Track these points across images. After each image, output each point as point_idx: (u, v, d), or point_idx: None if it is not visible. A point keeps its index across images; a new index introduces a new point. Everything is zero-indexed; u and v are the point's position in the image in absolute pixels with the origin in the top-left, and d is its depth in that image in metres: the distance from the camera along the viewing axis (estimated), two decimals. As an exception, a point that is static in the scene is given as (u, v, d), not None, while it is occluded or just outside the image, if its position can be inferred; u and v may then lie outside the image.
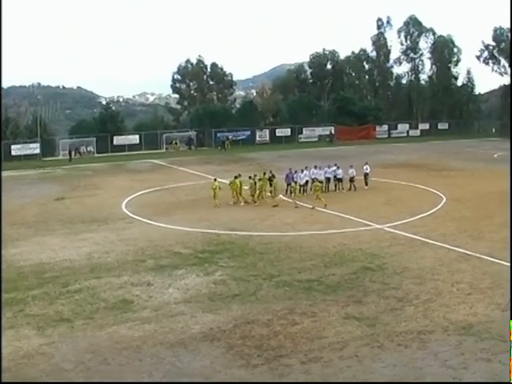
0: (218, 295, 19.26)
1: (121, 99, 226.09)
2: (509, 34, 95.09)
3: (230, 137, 79.85)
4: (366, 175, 41.51)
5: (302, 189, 38.57)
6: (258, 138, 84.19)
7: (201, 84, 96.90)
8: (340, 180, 40.30)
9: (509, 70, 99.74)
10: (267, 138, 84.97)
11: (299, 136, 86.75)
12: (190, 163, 60.05)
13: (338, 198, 37.93)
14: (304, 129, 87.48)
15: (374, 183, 42.82)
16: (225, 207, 34.73)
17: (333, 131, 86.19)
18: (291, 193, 37.89)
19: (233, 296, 19.13)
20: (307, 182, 38.89)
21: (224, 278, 21.06)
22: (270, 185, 37.67)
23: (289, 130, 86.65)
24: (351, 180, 40.63)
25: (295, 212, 33.32)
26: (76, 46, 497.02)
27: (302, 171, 39.06)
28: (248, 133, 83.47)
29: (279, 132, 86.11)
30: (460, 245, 25.21)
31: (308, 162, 45.31)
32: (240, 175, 36.74)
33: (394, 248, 25.01)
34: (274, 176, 38.58)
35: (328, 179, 40.03)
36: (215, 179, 36.87)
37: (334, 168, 40.52)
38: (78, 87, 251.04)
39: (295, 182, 37.94)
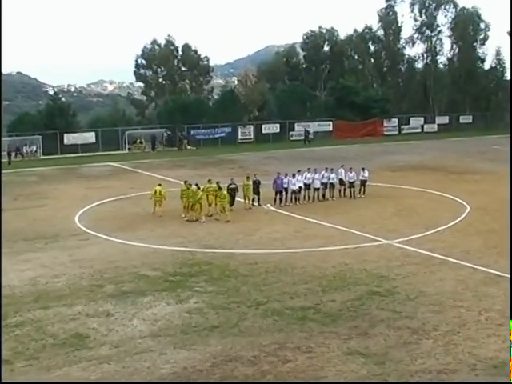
0: (192, 327, 19.18)
1: (72, 88, 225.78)
2: None
3: (184, 133, 79.76)
4: (363, 182, 41.54)
5: (293, 197, 38.83)
6: (240, 136, 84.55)
7: (171, 70, 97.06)
8: (333, 186, 40.53)
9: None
10: (251, 136, 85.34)
11: (290, 133, 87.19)
12: (158, 167, 59.99)
13: (337, 207, 38.08)
14: (296, 125, 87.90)
15: (382, 190, 42.99)
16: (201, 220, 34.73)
17: (309, 129, 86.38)
18: (281, 202, 38.20)
19: (211, 328, 19.05)
20: (300, 188, 39.07)
21: (200, 306, 20.99)
22: (256, 192, 37.86)
23: (278, 125, 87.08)
24: (351, 186, 40.88)
25: (286, 225, 33.33)
26: (15, 23, 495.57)
27: (294, 176, 39.13)
28: (228, 130, 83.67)
29: (266, 128, 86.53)
30: (487, 264, 25.31)
31: (301, 164, 45.36)
32: (188, 182, 36.84)
33: (407, 268, 25.06)
34: (259, 182, 38.71)
35: (325, 185, 40.16)
36: (159, 184, 37.42)
37: (322, 172, 40.61)
38: (19, 73, 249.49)
39: (285, 189, 38.27)
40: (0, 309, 20.34)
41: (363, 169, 42.03)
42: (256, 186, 38.34)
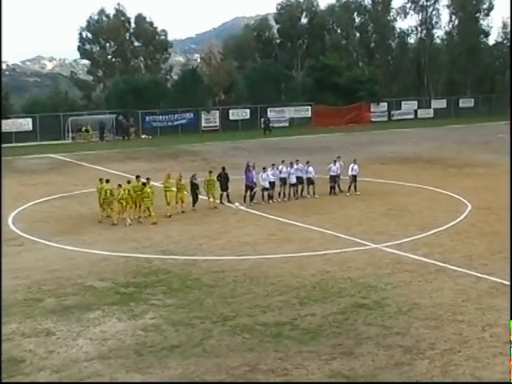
0: (148, 347, 19.09)
1: (4, 66, 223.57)
2: None
3: (131, 120, 79.62)
4: (355, 178, 41.51)
5: (266, 194, 38.84)
6: (204, 124, 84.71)
7: (121, 46, 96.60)
8: (312, 182, 40.63)
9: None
10: (217, 123, 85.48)
11: (262, 120, 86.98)
12: (108, 159, 59.89)
13: (318, 206, 38.16)
14: (269, 110, 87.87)
15: (369, 185, 43.13)
16: (158, 221, 34.61)
17: (269, 116, 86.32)
18: (251, 199, 38.21)
19: (170, 348, 18.99)
20: (274, 184, 39.04)
21: (157, 323, 20.91)
22: (223, 188, 37.92)
23: (247, 111, 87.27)
24: (333, 180, 41.05)
25: (258, 227, 33.33)
26: None
27: (265, 170, 39.02)
28: (190, 116, 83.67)
29: (234, 114, 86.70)
30: (492, 271, 25.46)
31: (275, 156, 45.35)
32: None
33: (398, 276, 25.16)
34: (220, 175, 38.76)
35: (300, 180, 40.17)
36: (101, 179, 36.85)
37: (300, 166, 40.60)
38: None
39: (254, 185, 38.34)
40: (0, 309, 21.00)
41: (355, 160, 42.09)
42: (225, 180, 38.32)
